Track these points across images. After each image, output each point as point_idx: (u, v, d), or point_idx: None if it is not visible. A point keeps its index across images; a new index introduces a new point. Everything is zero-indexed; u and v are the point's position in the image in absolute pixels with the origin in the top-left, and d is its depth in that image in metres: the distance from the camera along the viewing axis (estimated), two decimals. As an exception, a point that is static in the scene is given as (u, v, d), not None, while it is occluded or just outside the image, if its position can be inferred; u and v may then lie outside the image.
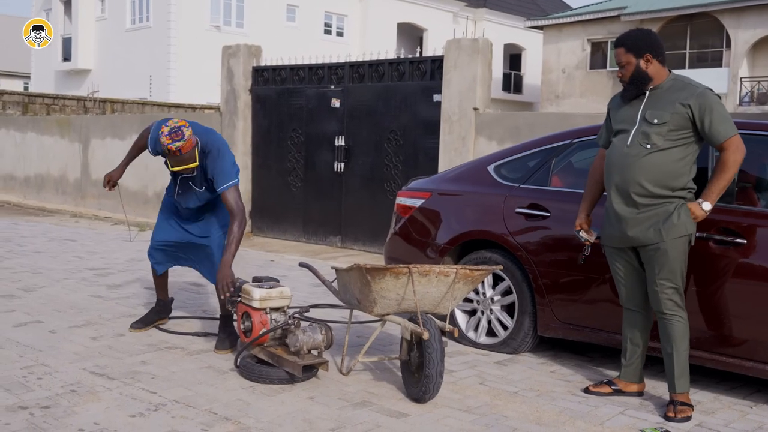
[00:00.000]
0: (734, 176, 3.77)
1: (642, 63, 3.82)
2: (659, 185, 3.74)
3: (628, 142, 3.82)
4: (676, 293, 3.78)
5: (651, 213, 3.76)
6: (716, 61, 24.61)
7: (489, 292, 4.92)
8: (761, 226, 3.94)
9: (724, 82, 23.44)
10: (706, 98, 3.71)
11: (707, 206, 3.73)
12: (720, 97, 3.87)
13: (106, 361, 4.36)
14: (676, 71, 4.03)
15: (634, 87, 3.86)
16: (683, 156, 3.76)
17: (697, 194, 3.84)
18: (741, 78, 23.97)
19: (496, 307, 4.90)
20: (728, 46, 24.38)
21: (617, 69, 3.96)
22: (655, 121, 3.74)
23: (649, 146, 3.75)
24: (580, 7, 28.96)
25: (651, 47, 3.82)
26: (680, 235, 3.74)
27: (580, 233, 4.16)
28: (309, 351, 4.11)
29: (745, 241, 3.91)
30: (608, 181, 3.91)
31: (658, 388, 4.17)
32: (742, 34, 23.71)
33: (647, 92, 3.84)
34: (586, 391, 4.13)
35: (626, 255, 3.94)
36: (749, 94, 24.00)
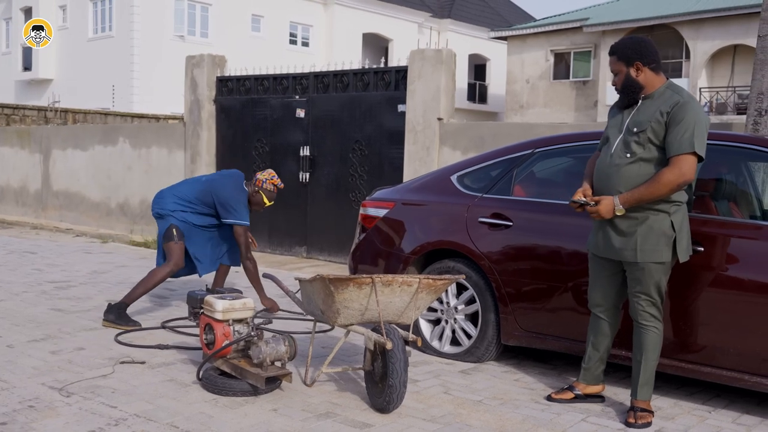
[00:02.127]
0: (664, 196, 3.66)
1: (632, 71, 3.80)
2: None
3: (612, 151, 3.83)
4: (652, 306, 3.81)
5: (632, 223, 3.75)
6: (676, 72, 25.05)
7: (453, 302, 4.94)
8: (719, 235, 4.01)
9: (683, 93, 23.83)
10: (682, 108, 3.65)
11: (620, 210, 3.70)
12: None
13: (66, 375, 4.28)
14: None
15: (625, 96, 3.85)
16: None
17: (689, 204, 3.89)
18: (700, 88, 24.41)
19: (460, 316, 4.92)
20: (687, 57, 24.84)
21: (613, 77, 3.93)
22: (635, 129, 3.75)
23: (629, 155, 3.75)
24: (544, 19, 29.31)
25: (641, 55, 3.78)
26: (655, 261, 3.74)
27: (580, 199, 3.86)
28: (272, 362, 4.08)
29: (703, 249, 3.98)
30: (595, 190, 3.91)
31: (619, 394, 4.21)
32: (700, 46, 24.18)
33: (640, 101, 3.83)
34: (549, 398, 4.16)
35: (607, 262, 3.95)
36: (708, 104, 24.45)
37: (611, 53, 3.90)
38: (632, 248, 3.75)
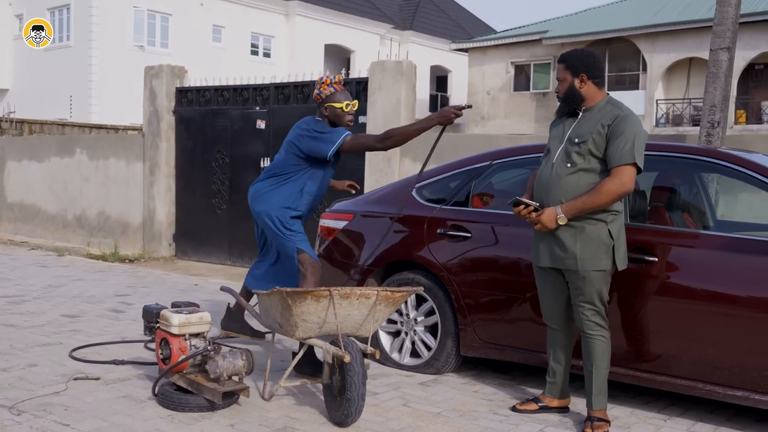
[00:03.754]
0: (605, 205, 3.72)
1: (576, 82, 3.87)
2: None
3: (553, 161, 3.89)
4: (596, 315, 3.86)
5: (570, 234, 3.80)
6: (633, 84, 25.48)
7: (412, 313, 4.93)
8: (672, 245, 4.07)
9: (641, 105, 24.28)
10: (622, 121, 3.74)
11: (562, 219, 3.75)
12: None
13: (17, 393, 4.18)
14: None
15: (565, 104, 3.92)
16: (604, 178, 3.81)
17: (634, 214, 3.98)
18: (657, 100, 24.86)
19: (420, 328, 4.92)
20: (644, 69, 25.29)
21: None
22: (576, 140, 3.81)
23: (569, 165, 3.82)
24: (504, 31, 29.63)
25: (587, 68, 3.86)
26: (595, 269, 3.80)
27: (518, 198, 3.88)
28: (229, 377, 4.03)
29: (656, 260, 4.03)
30: (536, 200, 3.95)
31: (577, 404, 4.24)
32: (657, 58, 24.63)
33: (580, 113, 3.90)
34: (513, 409, 4.18)
35: (551, 274, 3.99)
36: (665, 115, 24.91)
37: (560, 61, 3.97)
38: (573, 257, 3.81)
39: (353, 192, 5.12)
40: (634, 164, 3.71)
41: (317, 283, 4.48)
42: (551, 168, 3.89)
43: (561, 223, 3.75)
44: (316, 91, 4.57)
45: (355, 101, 4.61)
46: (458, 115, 4.32)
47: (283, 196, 4.55)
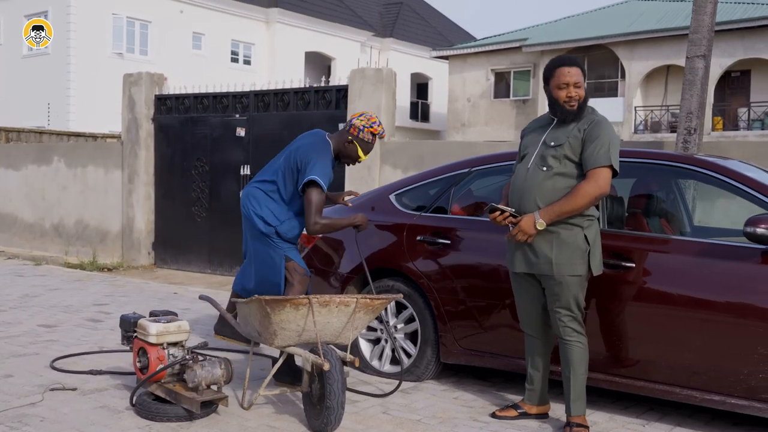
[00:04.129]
0: (583, 208, 3.72)
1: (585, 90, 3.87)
2: None
3: (529, 165, 3.89)
4: (573, 320, 3.88)
5: (546, 240, 3.81)
6: (612, 91, 25.70)
7: (392, 320, 4.93)
8: (649, 251, 4.10)
9: (619, 111, 24.49)
10: (597, 126, 3.78)
11: (542, 224, 3.73)
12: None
13: (-8, 404, 4.13)
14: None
15: (580, 111, 3.82)
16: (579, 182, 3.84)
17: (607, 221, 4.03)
18: (635, 107, 25.09)
19: (400, 335, 4.92)
20: (623, 76, 25.52)
21: (566, 89, 3.78)
22: (552, 143, 3.82)
23: (545, 168, 3.81)
24: (484, 38, 29.80)
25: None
26: (571, 274, 3.81)
27: (493, 205, 3.88)
28: (208, 386, 4.00)
29: (634, 265, 4.06)
30: (511, 206, 3.95)
31: (556, 410, 4.25)
32: (635, 66, 24.87)
33: (556, 119, 3.90)
34: (493, 415, 4.18)
35: (526, 281, 4.00)
36: (643, 122, 25.14)
37: (575, 64, 3.85)
38: (548, 262, 3.82)
39: (350, 205, 4.94)
40: (610, 167, 3.74)
41: (303, 292, 4.39)
42: (526, 172, 3.89)
43: (540, 228, 3.75)
44: (358, 123, 4.39)
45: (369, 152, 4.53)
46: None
47: (280, 211, 4.40)
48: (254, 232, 4.42)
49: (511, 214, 3.84)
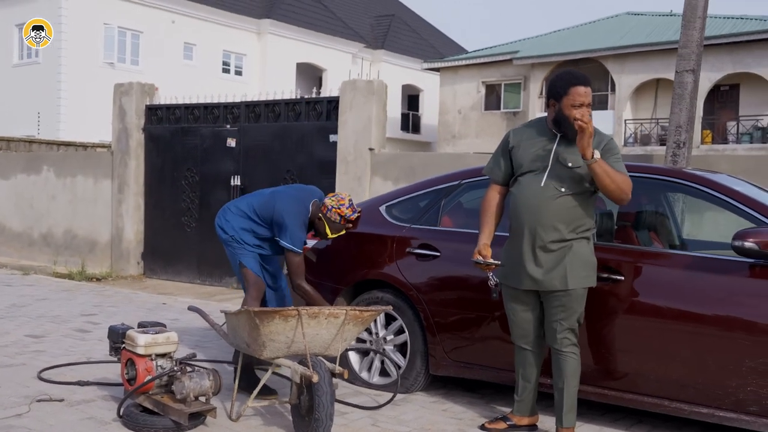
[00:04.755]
0: (615, 190, 3.74)
1: None
2: (570, 227, 3.82)
3: (542, 184, 3.83)
4: (571, 332, 3.89)
5: (558, 255, 3.82)
6: (602, 104, 25.84)
7: (382, 332, 4.92)
8: (638, 264, 4.11)
9: (609, 124, 24.63)
10: (612, 143, 3.88)
11: (597, 155, 3.70)
12: None
13: (-23, 415, 4.10)
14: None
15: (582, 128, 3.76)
16: (590, 198, 3.87)
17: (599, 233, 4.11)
18: (625, 120, 25.24)
19: (389, 347, 4.91)
20: (613, 90, 25.68)
21: (579, 108, 3.75)
22: (570, 164, 3.80)
23: (563, 189, 3.79)
24: (475, 51, 29.93)
25: None
26: (584, 286, 3.85)
27: (479, 259, 3.97)
28: (196, 398, 3.98)
29: (623, 278, 4.07)
30: (517, 222, 3.91)
31: (545, 422, 4.25)
32: (625, 79, 25.04)
33: (559, 134, 3.88)
34: (482, 428, 4.18)
35: (527, 296, 3.98)
36: (633, 135, 25.29)
37: (589, 83, 3.84)
38: (562, 276, 3.81)
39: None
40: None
41: (258, 298, 4.70)
42: (540, 190, 3.83)
43: (596, 157, 3.69)
44: (328, 203, 4.59)
45: (339, 233, 4.69)
46: None
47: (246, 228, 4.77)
48: (221, 242, 4.87)
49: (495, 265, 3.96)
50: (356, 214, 4.64)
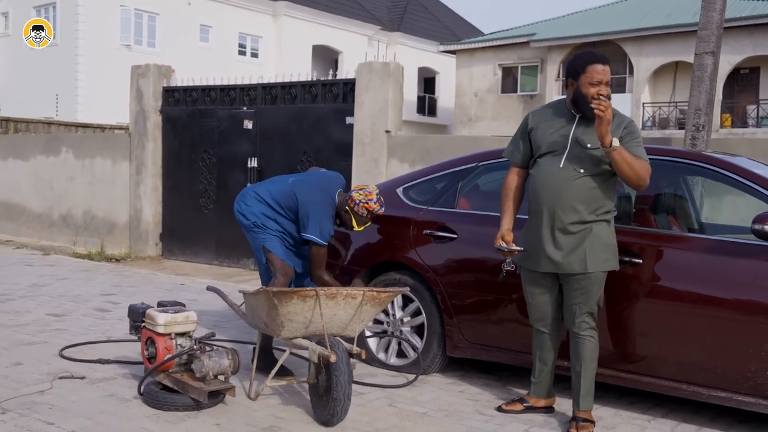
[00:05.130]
0: (633, 177, 3.74)
1: None
2: (589, 209, 3.81)
3: (561, 165, 3.83)
4: (590, 316, 3.89)
5: (577, 238, 3.81)
6: (620, 87, 25.63)
7: (399, 314, 4.94)
8: (656, 247, 4.10)
9: (627, 108, 24.43)
10: (633, 126, 3.85)
11: (616, 143, 3.68)
12: None
13: (1, 391, 4.16)
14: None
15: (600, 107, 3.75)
16: (610, 180, 3.85)
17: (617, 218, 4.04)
18: (643, 103, 25.04)
19: (406, 329, 4.93)
20: (631, 73, 25.46)
21: (598, 86, 3.75)
22: (589, 145, 3.79)
23: (582, 170, 3.79)
24: (492, 33, 29.74)
25: None
26: (604, 270, 3.85)
27: (502, 245, 3.99)
28: (215, 376, 4.03)
29: (641, 261, 4.06)
30: (536, 204, 3.91)
31: (561, 404, 4.26)
32: (643, 62, 24.81)
33: (577, 115, 3.87)
34: (499, 409, 4.20)
35: (545, 279, 3.98)
36: (651, 118, 25.08)
37: (607, 62, 3.83)
38: (581, 259, 3.81)
39: None
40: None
41: (285, 284, 4.59)
42: (559, 171, 3.83)
43: (614, 145, 3.68)
44: (356, 197, 4.53)
45: (366, 225, 4.67)
46: None
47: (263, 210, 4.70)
48: (242, 228, 4.79)
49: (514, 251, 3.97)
50: (383, 209, 4.59)
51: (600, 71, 3.77)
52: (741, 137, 20.13)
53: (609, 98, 3.77)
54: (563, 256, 3.84)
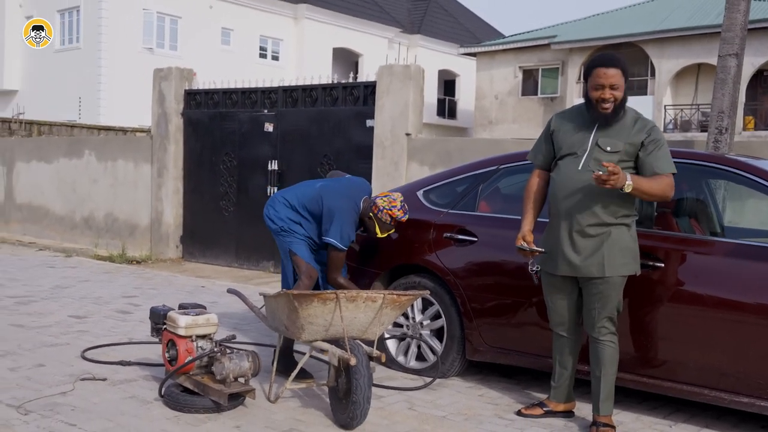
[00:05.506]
0: (657, 197, 3.79)
1: (626, 88, 3.79)
2: (608, 212, 3.78)
3: (579, 167, 3.82)
4: (609, 321, 3.86)
5: (596, 241, 3.79)
6: (642, 90, 25.45)
7: (418, 317, 4.94)
8: (679, 251, 4.06)
9: (649, 110, 24.23)
10: (657, 133, 3.80)
11: (629, 187, 3.62)
12: None
13: (24, 393, 4.21)
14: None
15: (615, 114, 3.77)
16: None
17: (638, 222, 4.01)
18: (665, 106, 24.83)
19: (426, 332, 4.93)
20: (653, 75, 25.26)
21: (600, 90, 3.73)
22: (608, 148, 3.76)
23: (601, 173, 3.79)
24: (512, 36, 29.63)
25: (628, 73, 3.84)
26: (621, 274, 3.82)
27: (523, 245, 3.98)
28: (236, 379, 4.04)
29: (663, 265, 4.03)
30: (555, 206, 3.91)
31: (582, 409, 4.24)
32: (665, 64, 24.61)
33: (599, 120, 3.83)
34: (519, 413, 4.18)
35: (564, 282, 3.96)
36: (673, 121, 24.87)
37: (615, 65, 3.76)
38: (599, 263, 3.78)
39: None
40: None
41: (310, 286, 4.63)
42: (577, 174, 3.81)
43: (627, 190, 3.64)
44: (380, 203, 4.56)
45: (389, 232, 4.69)
46: None
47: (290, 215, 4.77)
48: (272, 233, 4.86)
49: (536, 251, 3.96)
50: (407, 216, 4.61)
51: (602, 75, 3.74)
52: (764, 140, 19.90)
53: (617, 101, 3.75)
54: (581, 259, 3.82)
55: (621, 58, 3.86)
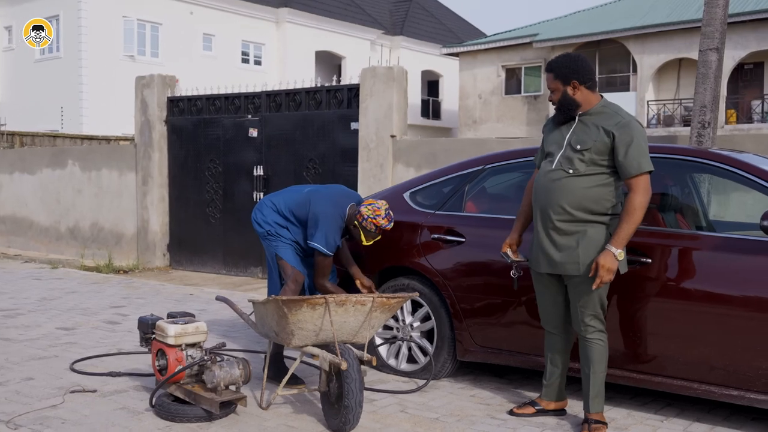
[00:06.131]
0: (641, 219, 3.74)
1: (569, 90, 3.85)
2: (579, 208, 3.79)
3: (552, 166, 3.88)
4: (595, 319, 3.87)
5: (572, 239, 3.81)
6: (624, 86, 25.56)
7: (408, 319, 4.94)
8: (665, 246, 4.08)
9: (632, 106, 24.36)
10: (629, 129, 3.75)
11: (621, 254, 3.71)
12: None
13: (13, 407, 4.17)
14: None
15: (561, 113, 3.91)
16: (605, 182, 3.80)
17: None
18: (648, 101, 24.96)
19: (416, 334, 4.92)
20: (635, 70, 25.39)
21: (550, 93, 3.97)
22: (578, 146, 3.80)
23: (570, 171, 3.80)
24: (494, 35, 29.70)
25: (578, 74, 3.84)
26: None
27: (508, 252, 4.11)
28: (227, 387, 4.03)
29: (650, 260, 4.05)
30: (534, 204, 3.98)
31: (574, 407, 4.25)
32: (647, 59, 24.73)
33: (577, 118, 3.89)
34: (511, 413, 4.19)
35: (550, 280, 3.99)
36: (656, 116, 25.00)
37: (548, 70, 3.95)
38: (575, 261, 3.80)
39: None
40: (649, 171, 3.76)
41: (296, 291, 4.67)
42: (550, 173, 3.87)
43: (620, 258, 3.71)
44: (364, 212, 4.51)
45: (375, 240, 4.64)
46: None
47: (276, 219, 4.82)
48: (258, 237, 4.92)
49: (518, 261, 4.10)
50: (391, 225, 4.57)
51: (547, 79, 3.95)
52: (747, 133, 20.05)
53: (556, 102, 3.92)
54: (560, 257, 3.85)
55: (554, 61, 3.96)
